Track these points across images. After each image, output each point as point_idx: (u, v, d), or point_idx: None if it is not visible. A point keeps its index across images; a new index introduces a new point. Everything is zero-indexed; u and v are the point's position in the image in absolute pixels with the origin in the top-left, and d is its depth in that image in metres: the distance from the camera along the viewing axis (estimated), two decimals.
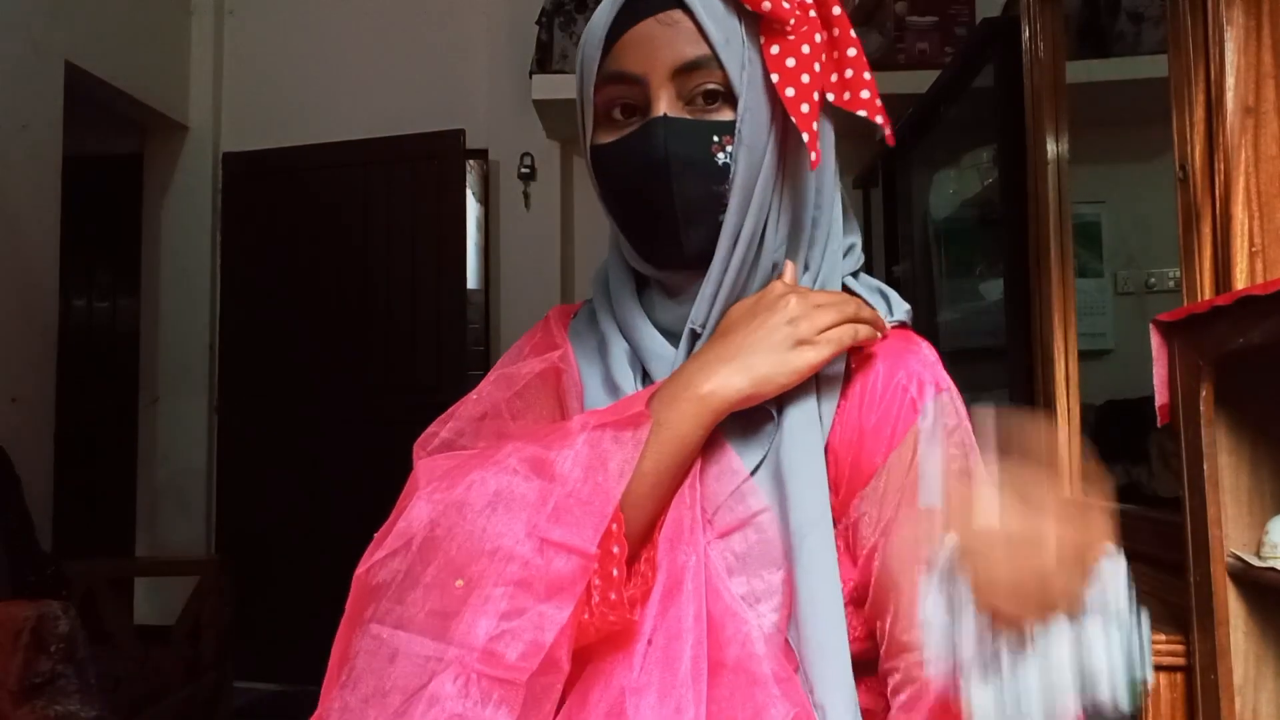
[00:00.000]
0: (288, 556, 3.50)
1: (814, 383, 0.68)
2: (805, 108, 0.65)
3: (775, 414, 0.67)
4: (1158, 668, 1.18)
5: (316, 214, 3.59)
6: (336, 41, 3.74)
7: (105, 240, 4.33)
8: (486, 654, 0.56)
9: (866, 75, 0.69)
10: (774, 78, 0.66)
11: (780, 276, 0.70)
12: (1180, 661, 1.16)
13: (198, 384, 3.66)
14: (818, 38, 0.68)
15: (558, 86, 3.16)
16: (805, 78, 0.66)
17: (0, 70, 2.72)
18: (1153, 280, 2.50)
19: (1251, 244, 1.12)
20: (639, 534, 0.64)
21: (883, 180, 3.13)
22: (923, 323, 2.72)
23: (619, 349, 0.73)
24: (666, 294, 0.73)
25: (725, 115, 0.67)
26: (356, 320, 3.53)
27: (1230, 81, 1.13)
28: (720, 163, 0.67)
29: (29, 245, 2.83)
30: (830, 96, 0.69)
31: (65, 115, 2.98)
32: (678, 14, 0.66)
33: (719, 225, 0.68)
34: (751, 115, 0.67)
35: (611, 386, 0.72)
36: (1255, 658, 1.08)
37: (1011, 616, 0.47)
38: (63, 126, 2.96)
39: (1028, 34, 1.75)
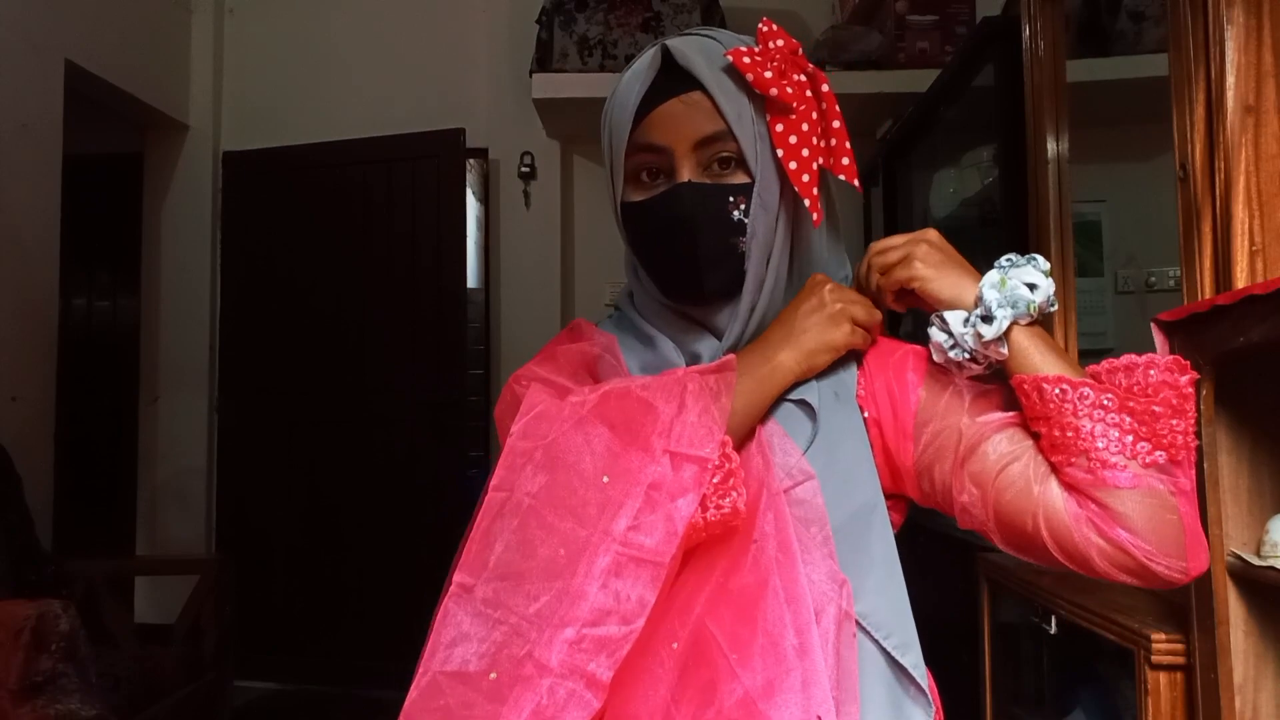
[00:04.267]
0: (288, 556, 3.50)
1: (836, 365, 0.81)
2: (806, 177, 0.78)
3: (815, 408, 0.79)
4: (1159, 667, 1.18)
5: (316, 214, 3.59)
6: (336, 41, 3.74)
7: (105, 240, 4.33)
8: (626, 541, 0.67)
9: (848, 144, 0.81)
10: (779, 152, 0.78)
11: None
12: (1180, 661, 1.16)
13: (198, 384, 3.66)
14: (814, 115, 0.80)
15: (558, 85, 3.16)
16: (805, 151, 0.78)
17: (0, 70, 2.72)
18: (1153, 279, 2.49)
19: (1252, 243, 1.12)
20: None
21: (883, 179, 3.13)
22: (923, 322, 2.72)
23: (664, 339, 0.84)
24: (687, 320, 0.85)
25: (739, 178, 0.79)
26: (356, 319, 3.53)
27: (1230, 80, 1.13)
28: (735, 219, 0.79)
29: (29, 244, 2.83)
30: (819, 160, 0.80)
31: (65, 115, 2.98)
32: (697, 95, 0.78)
33: (734, 270, 0.80)
34: (764, 184, 0.79)
35: (665, 364, 0.82)
36: (1255, 657, 1.08)
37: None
38: (63, 126, 2.96)
39: (1028, 33, 1.75)
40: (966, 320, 0.75)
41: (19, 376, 2.75)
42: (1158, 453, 0.69)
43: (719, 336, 0.83)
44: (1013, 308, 0.73)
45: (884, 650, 0.74)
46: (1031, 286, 0.74)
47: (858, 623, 0.73)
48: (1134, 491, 0.68)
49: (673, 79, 0.79)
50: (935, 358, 0.78)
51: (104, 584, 2.60)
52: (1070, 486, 0.71)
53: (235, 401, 3.64)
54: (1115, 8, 2.42)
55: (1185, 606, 1.15)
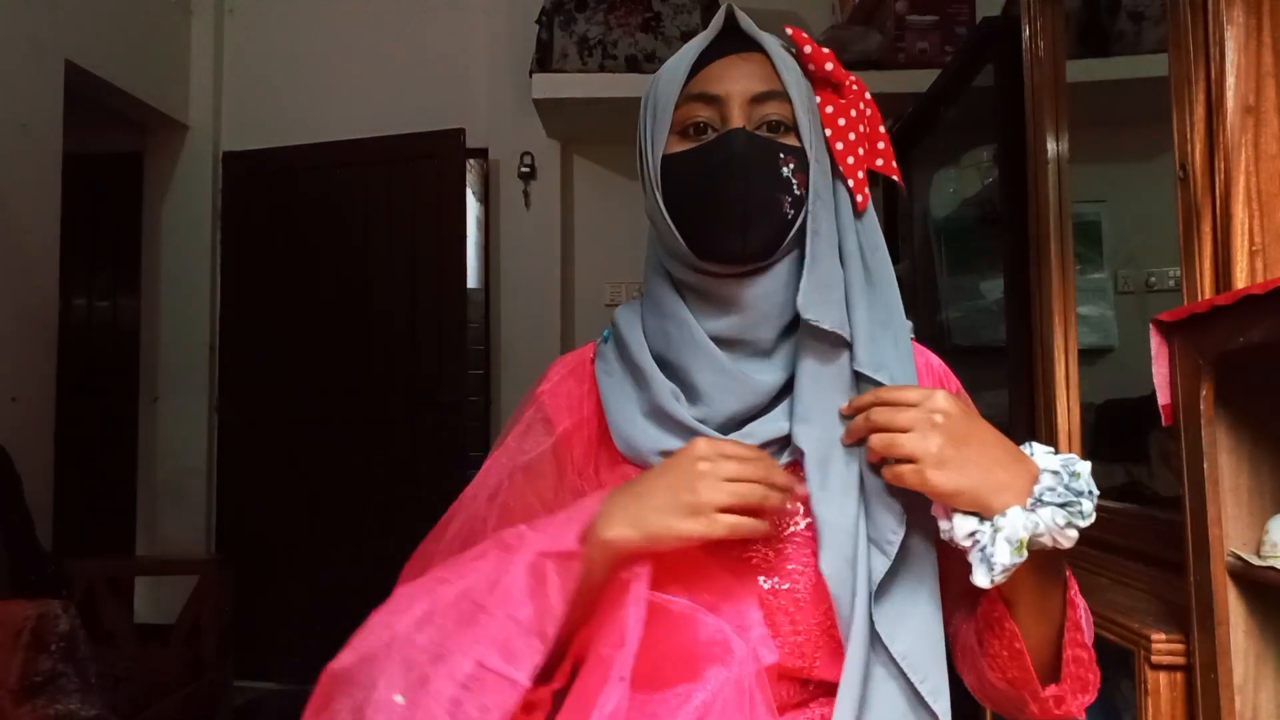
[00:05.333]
0: (288, 556, 3.50)
1: None
2: (851, 159, 0.81)
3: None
4: (1159, 667, 1.18)
5: (316, 214, 3.59)
6: (336, 41, 3.74)
7: (105, 240, 4.32)
8: None
9: (890, 145, 0.84)
10: (827, 131, 0.81)
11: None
12: (1180, 661, 1.16)
13: (198, 384, 3.66)
14: (861, 104, 0.83)
15: (558, 86, 3.16)
16: (852, 135, 0.81)
17: (0, 70, 2.72)
18: (1153, 279, 2.49)
19: (1252, 243, 1.12)
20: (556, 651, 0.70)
21: (883, 179, 3.12)
22: (924, 322, 2.72)
23: (659, 381, 0.80)
24: (710, 304, 0.81)
25: (789, 141, 0.80)
26: (356, 319, 3.53)
27: (1230, 80, 1.13)
28: (785, 176, 0.78)
29: (29, 245, 2.83)
30: (864, 148, 0.83)
31: (65, 115, 2.97)
32: (757, 55, 0.80)
33: (776, 230, 0.78)
34: (816, 145, 0.81)
35: (662, 416, 0.79)
36: (1255, 657, 1.08)
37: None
38: (63, 126, 2.96)
39: (1028, 33, 1.75)
40: (993, 532, 0.68)
41: (19, 376, 2.75)
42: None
43: (740, 316, 0.79)
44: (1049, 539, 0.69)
45: (915, 692, 0.73)
46: (1071, 517, 0.68)
47: (895, 663, 0.72)
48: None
49: (733, 41, 0.81)
50: (943, 537, 0.72)
51: (104, 584, 2.60)
52: (991, 659, 0.77)
53: (235, 401, 3.64)
54: (1115, 8, 2.42)
55: (1185, 606, 1.15)
